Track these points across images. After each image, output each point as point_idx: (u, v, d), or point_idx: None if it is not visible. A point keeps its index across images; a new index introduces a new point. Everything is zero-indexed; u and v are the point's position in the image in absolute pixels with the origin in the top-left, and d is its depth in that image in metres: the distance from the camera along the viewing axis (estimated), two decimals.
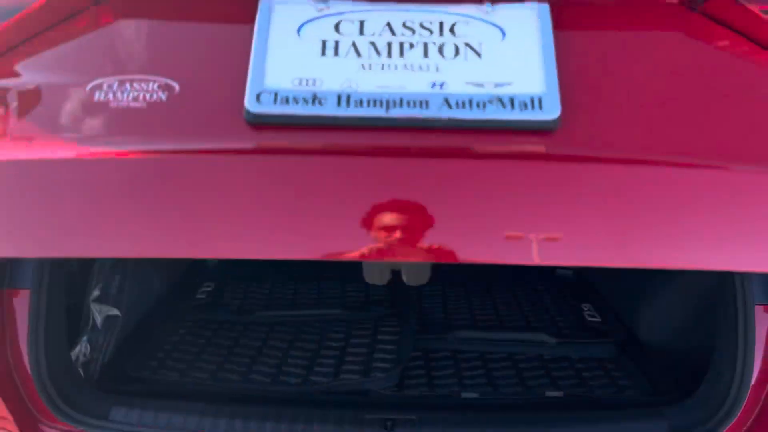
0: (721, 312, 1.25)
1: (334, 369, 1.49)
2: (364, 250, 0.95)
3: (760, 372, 1.20)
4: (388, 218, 0.94)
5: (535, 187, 0.96)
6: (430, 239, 0.95)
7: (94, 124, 1.01)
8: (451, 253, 0.96)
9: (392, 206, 0.95)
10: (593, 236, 0.97)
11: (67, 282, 1.33)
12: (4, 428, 1.20)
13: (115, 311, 1.55)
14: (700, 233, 0.97)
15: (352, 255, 0.96)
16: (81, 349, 1.44)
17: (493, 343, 1.63)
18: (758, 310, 1.22)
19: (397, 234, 0.94)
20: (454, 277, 2.05)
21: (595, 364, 1.54)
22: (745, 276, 1.21)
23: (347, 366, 1.50)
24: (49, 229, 0.99)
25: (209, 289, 1.95)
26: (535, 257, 0.97)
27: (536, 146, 0.98)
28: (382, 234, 0.94)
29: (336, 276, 2.04)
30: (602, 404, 1.38)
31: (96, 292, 1.53)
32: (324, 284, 2.00)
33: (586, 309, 1.83)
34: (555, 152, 0.98)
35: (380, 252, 0.95)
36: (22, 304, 1.23)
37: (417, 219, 0.95)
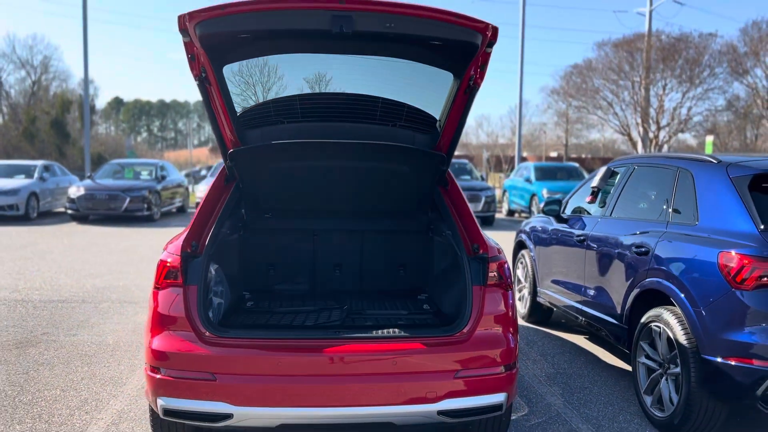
0: (462, 293, 3.44)
1: (314, 321, 3.66)
2: None
3: (474, 314, 3.33)
4: None
5: None
6: None
7: None
8: None
9: None
10: None
11: (207, 285, 3.45)
12: (190, 332, 3.27)
13: (221, 301, 3.69)
14: None
15: None
16: (211, 314, 3.55)
17: (382, 315, 3.83)
18: (474, 288, 3.44)
19: None
20: (370, 295, 4.28)
21: (423, 320, 3.75)
22: (467, 270, 3.40)
23: (320, 321, 3.67)
24: None
25: (252, 302, 4.11)
26: None
27: None
28: None
29: (311, 296, 4.25)
30: (418, 325, 3.59)
31: (213, 293, 3.67)
32: (306, 301, 4.18)
33: (426, 306, 4.06)
34: None
35: None
36: (193, 293, 3.35)
37: None
